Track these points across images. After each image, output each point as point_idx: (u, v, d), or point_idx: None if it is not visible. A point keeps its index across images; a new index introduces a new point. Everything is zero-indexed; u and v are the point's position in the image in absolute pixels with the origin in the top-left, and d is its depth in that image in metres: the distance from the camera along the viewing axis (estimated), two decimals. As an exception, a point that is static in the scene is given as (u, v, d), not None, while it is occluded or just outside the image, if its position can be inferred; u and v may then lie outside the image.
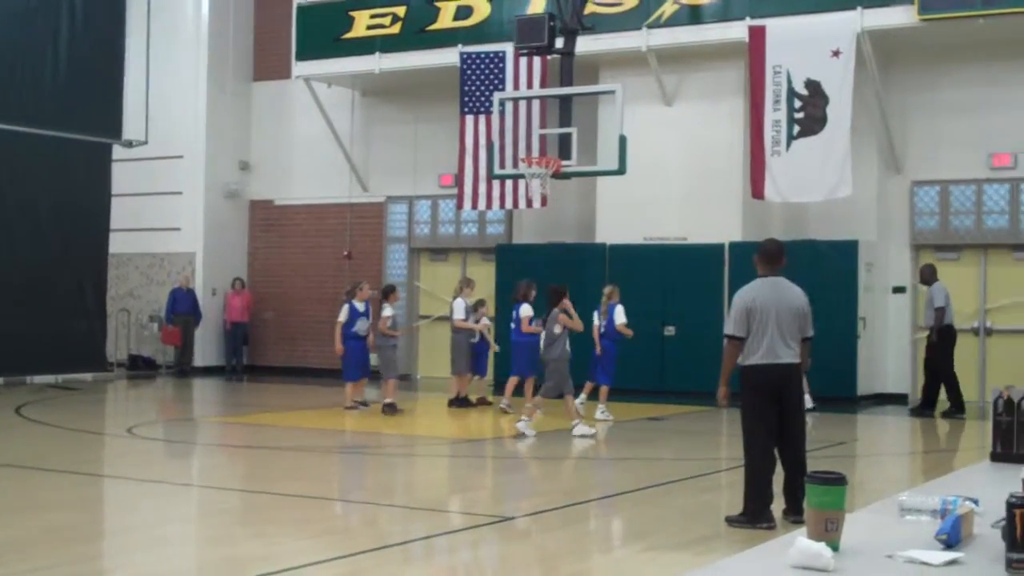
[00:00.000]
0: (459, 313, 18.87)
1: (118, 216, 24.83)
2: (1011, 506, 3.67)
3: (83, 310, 24.05)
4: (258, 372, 26.11)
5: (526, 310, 18.01)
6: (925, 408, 18.52)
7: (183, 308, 25.45)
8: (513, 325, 18.34)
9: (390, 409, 17.78)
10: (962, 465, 6.56)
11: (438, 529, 9.68)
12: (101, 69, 23.87)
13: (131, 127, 24.10)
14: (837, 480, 4.10)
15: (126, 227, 25.35)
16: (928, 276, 18.79)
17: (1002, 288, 20.20)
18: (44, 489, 11.36)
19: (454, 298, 19.32)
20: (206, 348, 26.26)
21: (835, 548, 3.89)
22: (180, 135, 25.82)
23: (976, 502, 4.39)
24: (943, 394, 18.47)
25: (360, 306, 18.43)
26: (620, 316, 17.31)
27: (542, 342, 16.30)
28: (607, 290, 17.64)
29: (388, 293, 18.64)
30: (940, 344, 18.40)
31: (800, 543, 3.73)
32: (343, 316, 18.36)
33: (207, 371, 25.85)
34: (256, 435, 16.21)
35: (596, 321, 17.47)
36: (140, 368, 26.06)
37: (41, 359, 22.85)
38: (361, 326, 18.35)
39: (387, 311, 18.25)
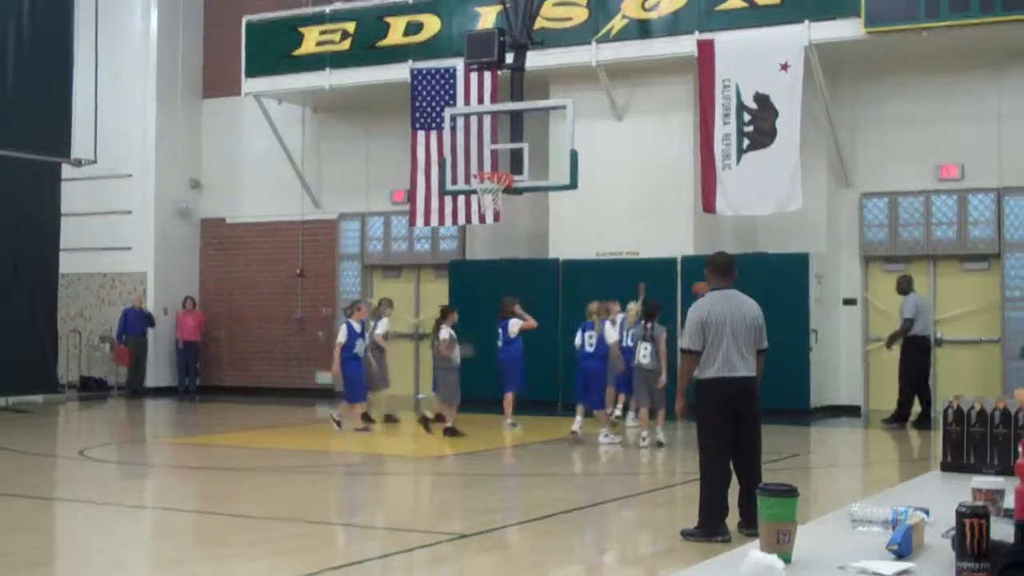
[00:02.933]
0: (380, 329, 18.70)
1: (68, 236, 24.59)
2: (961, 516, 3.70)
3: (34, 331, 23.77)
4: (211, 392, 25.93)
5: (515, 324, 18.06)
6: (898, 419, 18.62)
7: (135, 328, 25.26)
8: (500, 343, 18.26)
9: (452, 432, 17.19)
10: (913, 475, 6.60)
11: (394, 548, 9.65)
12: (49, 87, 23.66)
13: (80, 146, 23.88)
14: (788, 492, 4.12)
15: (76, 247, 25.11)
16: (904, 286, 18.95)
17: (951, 299, 20.38)
18: (-6, 513, 11.24)
19: (377, 319, 19.02)
20: (158, 368, 26.05)
21: (787, 560, 3.90)
22: (130, 153, 25.64)
23: (927, 512, 4.42)
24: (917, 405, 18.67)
25: (357, 326, 18.14)
26: (612, 334, 16.87)
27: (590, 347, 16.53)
28: (594, 307, 17.02)
29: (446, 314, 17.94)
30: (915, 355, 18.59)
31: (752, 555, 3.74)
32: (342, 337, 17.85)
33: (159, 391, 25.64)
34: (210, 456, 16.09)
35: (578, 339, 17.15)
36: (91, 389, 25.85)
37: (-9, 381, 22.61)
38: (360, 347, 18.07)
39: (444, 333, 17.67)
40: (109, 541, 10.05)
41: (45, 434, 19.75)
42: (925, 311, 18.92)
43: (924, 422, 18.36)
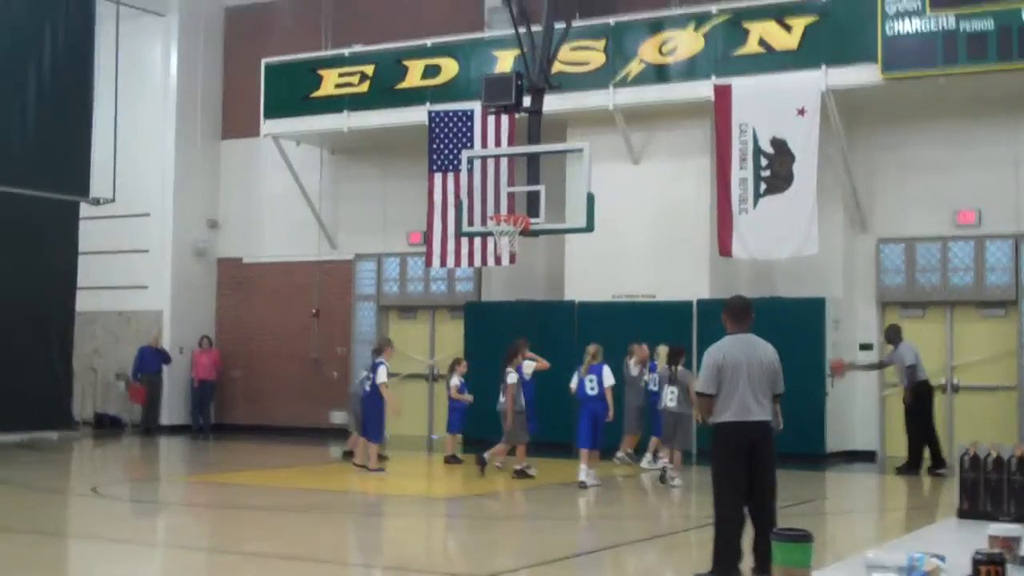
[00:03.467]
0: (383, 376, 18.33)
1: (85, 274, 24.71)
2: (977, 563, 3.68)
3: (49, 368, 23.84)
4: (225, 431, 25.93)
5: (529, 366, 18.09)
6: (912, 468, 18.54)
7: (151, 367, 25.31)
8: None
9: (522, 475, 17.21)
10: (929, 522, 6.56)
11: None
12: (69, 127, 23.83)
13: (98, 185, 24.02)
14: (803, 537, 4.10)
15: (93, 285, 25.24)
16: (894, 336, 19.00)
17: (968, 345, 20.30)
18: (8, 548, 11.22)
19: (380, 363, 18.73)
20: (173, 407, 26.08)
21: (802, 606, 3.89)
22: (148, 193, 25.78)
23: (943, 559, 4.40)
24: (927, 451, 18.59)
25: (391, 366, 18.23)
26: (610, 377, 16.91)
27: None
28: (592, 350, 17.15)
29: (514, 354, 18.07)
30: (917, 402, 18.53)
31: (767, 601, 3.73)
32: (383, 377, 17.63)
33: (174, 429, 25.66)
34: (224, 494, 16.08)
35: (574, 383, 17.17)
36: (106, 427, 25.86)
37: (6, 417, 22.61)
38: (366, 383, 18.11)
39: (512, 378, 17.81)
40: (121, 580, 10.03)
41: (59, 471, 19.76)
42: (919, 356, 18.93)
43: (939, 465, 18.28)
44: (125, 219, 25.28)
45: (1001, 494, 5.85)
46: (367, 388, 17.88)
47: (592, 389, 16.80)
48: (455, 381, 19.39)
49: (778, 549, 4.07)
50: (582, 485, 16.17)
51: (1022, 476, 5.80)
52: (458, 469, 18.66)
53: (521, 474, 17.18)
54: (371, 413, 17.83)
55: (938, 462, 18.33)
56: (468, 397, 19.36)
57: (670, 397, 16.35)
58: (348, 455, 19.32)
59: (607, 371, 16.86)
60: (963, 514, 5.95)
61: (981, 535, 4.65)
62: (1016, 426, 19.15)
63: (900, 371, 18.81)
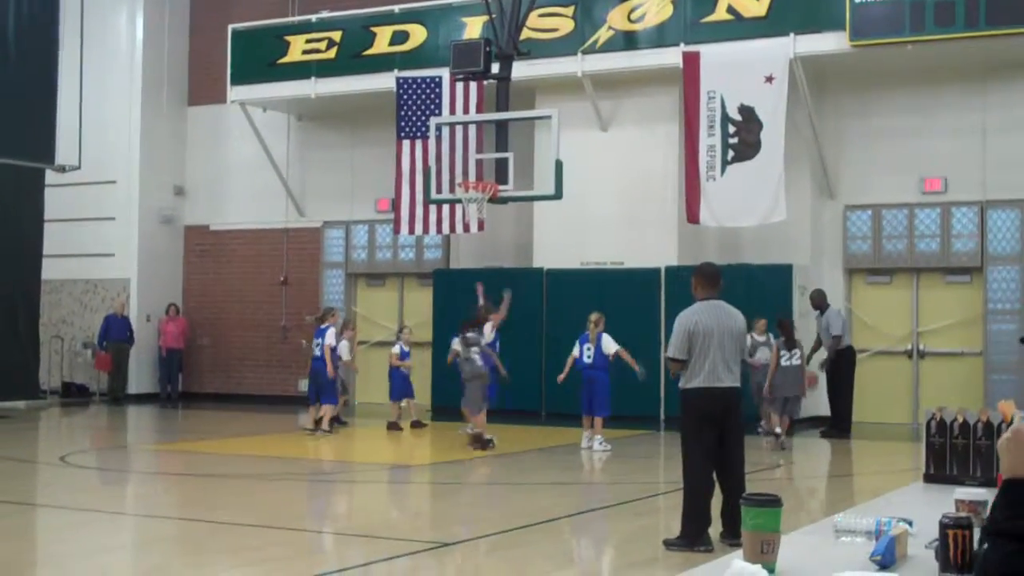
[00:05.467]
0: (330, 339, 18.94)
1: (51, 242, 24.52)
2: (944, 527, 3.71)
3: (15, 337, 23.70)
4: (193, 399, 25.87)
5: (489, 327, 18.10)
6: (838, 431, 18.82)
7: (116, 334, 25.20)
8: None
9: (478, 441, 16.94)
10: (896, 487, 6.61)
11: (375, 556, 9.63)
12: (34, 94, 23.57)
13: (64, 152, 23.79)
14: (772, 502, 4.12)
15: (59, 253, 25.06)
16: (820, 301, 19.11)
17: (934, 311, 20.44)
18: (-25, 519, 11.19)
19: (326, 328, 19.23)
20: (140, 375, 25.99)
21: (771, 570, 3.91)
22: (114, 160, 25.58)
23: (910, 523, 4.43)
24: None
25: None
26: (611, 344, 16.87)
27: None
28: (594, 318, 17.06)
29: (475, 323, 17.99)
30: (842, 366, 18.79)
31: (736, 565, 3.75)
32: (330, 340, 18.85)
33: (141, 398, 25.57)
34: (192, 463, 16.06)
35: (576, 351, 17.12)
36: (73, 395, 25.76)
37: (-28, 387, 22.52)
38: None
39: (455, 344, 18.02)
40: (90, 547, 10.02)
41: (26, 440, 19.66)
42: (846, 323, 19.16)
43: (840, 433, 18.64)
44: (91, 186, 25.08)
45: (967, 458, 5.90)
46: (316, 354, 18.90)
47: (588, 358, 16.86)
48: (395, 349, 19.80)
49: (747, 513, 4.08)
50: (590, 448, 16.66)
51: (988, 440, 5.85)
52: (406, 435, 18.80)
53: (478, 440, 16.87)
54: (323, 379, 18.77)
55: (841, 428, 18.63)
56: (408, 363, 19.72)
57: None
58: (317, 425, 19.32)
59: (606, 339, 16.85)
60: (929, 478, 6.00)
61: (948, 499, 4.69)
62: (981, 391, 19.32)
63: (825, 338, 18.96)
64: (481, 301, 18.63)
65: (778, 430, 17.11)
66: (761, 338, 17.61)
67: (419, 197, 21.06)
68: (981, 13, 18.12)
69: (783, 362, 17.37)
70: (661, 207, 20.92)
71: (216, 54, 25.22)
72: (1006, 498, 3.21)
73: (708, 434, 9.51)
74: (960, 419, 5.97)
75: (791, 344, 17.57)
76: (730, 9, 20.02)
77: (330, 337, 18.80)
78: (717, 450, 9.54)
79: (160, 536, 10.77)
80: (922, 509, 4.76)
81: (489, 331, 18.10)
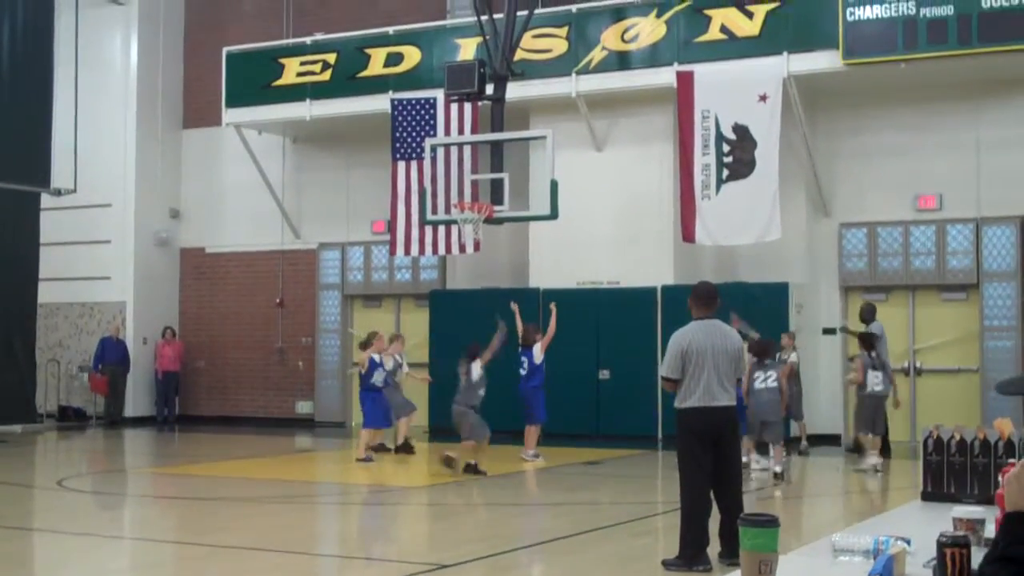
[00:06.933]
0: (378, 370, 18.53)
1: (47, 265, 24.53)
2: (942, 545, 3.71)
3: (12, 361, 23.68)
4: (190, 422, 25.82)
5: (538, 351, 17.99)
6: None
7: (112, 357, 25.17)
8: (523, 372, 18.03)
9: (472, 470, 16.45)
10: (894, 505, 6.61)
11: (374, 578, 9.61)
12: (29, 117, 23.63)
13: (60, 175, 23.84)
14: (770, 522, 4.12)
15: (55, 276, 25.06)
16: (867, 315, 18.91)
17: (930, 328, 20.46)
18: (-28, 544, 11.16)
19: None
20: (137, 398, 25.96)
21: (770, 590, 3.90)
22: (109, 183, 25.59)
23: (908, 542, 4.43)
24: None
25: (377, 358, 18.12)
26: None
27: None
28: (529, 328, 17.76)
29: (474, 356, 17.42)
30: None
31: (735, 586, 3.75)
32: (381, 369, 18.14)
33: (138, 421, 25.53)
34: (190, 486, 16.02)
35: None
36: (70, 419, 25.71)
37: (-32, 411, 22.48)
38: (378, 377, 18.04)
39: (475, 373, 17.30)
40: (90, 573, 9.99)
41: (23, 464, 19.62)
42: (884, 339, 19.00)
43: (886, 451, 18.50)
44: (86, 209, 25.10)
45: (965, 476, 5.90)
46: (379, 384, 18.13)
47: (524, 369, 17.67)
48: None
49: (745, 534, 4.08)
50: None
51: (985, 458, 5.85)
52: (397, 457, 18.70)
53: (472, 469, 16.32)
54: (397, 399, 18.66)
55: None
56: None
57: (876, 381, 16.50)
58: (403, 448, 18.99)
59: (537, 350, 17.54)
60: (927, 496, 5.99)
61: (946, 518, 4.69)
62: (978, 408, 19.30)
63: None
64: (519, 324, 18.33)
65: (778, 468, 15.86)
66: (786, 356, 17.68)
67: (415, 218, 21.08)
68: (974, 31, 18.20)
69: (756, 384, 16.08)
70: (656, 226, 20.94)
71: (211, 77, 25.25)
72: (1009, 528, 3.23)
73: (704, 453, 9.50)
74: (957, 437, 5.97)
75: (763, 365, 16.29)
76: (723, 28, 20.09)
77: (388, 363, 18.16)
78: (714, 469, 9.53)
79: (159, 560, 10.74)
80: (920, 527, 4.76)
81: (538, 353, 17.95)
